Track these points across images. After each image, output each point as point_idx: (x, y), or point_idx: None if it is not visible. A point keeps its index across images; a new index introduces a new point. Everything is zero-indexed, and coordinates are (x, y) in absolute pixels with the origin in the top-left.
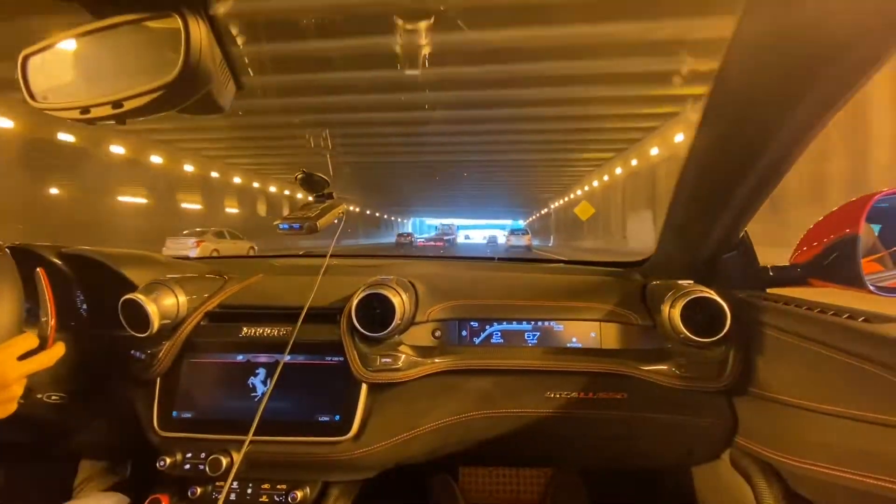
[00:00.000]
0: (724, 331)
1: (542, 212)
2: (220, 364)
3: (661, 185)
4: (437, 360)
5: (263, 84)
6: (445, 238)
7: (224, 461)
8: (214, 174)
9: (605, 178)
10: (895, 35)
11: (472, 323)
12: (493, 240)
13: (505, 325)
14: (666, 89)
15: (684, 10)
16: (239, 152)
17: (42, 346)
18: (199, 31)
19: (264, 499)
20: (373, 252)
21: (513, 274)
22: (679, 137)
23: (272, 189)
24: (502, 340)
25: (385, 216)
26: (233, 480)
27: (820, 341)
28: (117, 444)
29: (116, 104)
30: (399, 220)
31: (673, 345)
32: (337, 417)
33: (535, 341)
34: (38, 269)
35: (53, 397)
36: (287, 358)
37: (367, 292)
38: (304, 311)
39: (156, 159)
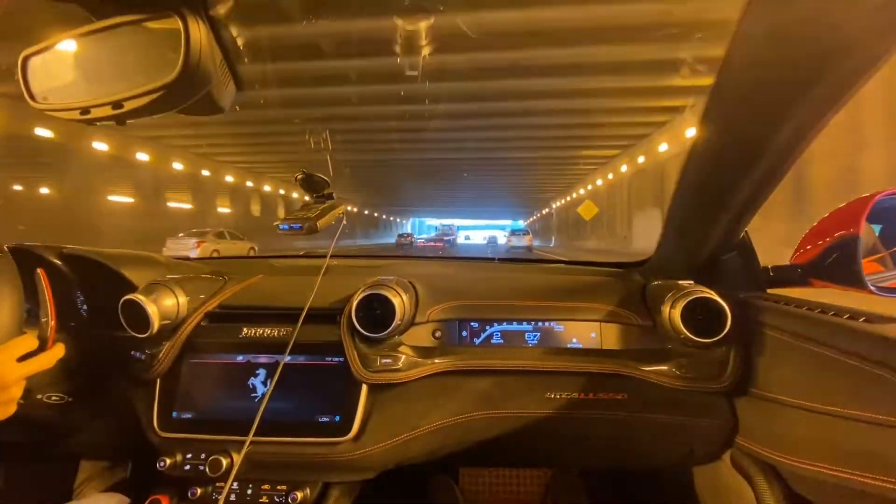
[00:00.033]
0: (725, 331)
1: (544, 212)
2: (220, 364)
3: (671, 184)
4: (437, 361)
5: (252, 73)
6: (445, 238)
7: (224, 462)
8: (205, 172)
9: (610, 176)
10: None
11: (472, 323)
12: (493, 240)
13: (505, 326)
14: (677, 80)
15: None
16: (230, 149)
17: (42, 347)
18: (199, 32)
19: (264, 499)
20: (372, 252)
21: (513, 274)
22: (691, 132)
23: (266, 188)
24: (502, 341)
25: (384, 216)
26: (233, 481)
27: (821, 342)
28: (117, 444)
29: (116, 104)
30: (398, 220)
31: (673, 345)
32: (337, 418)
33: (536, 342)
34: (38, 270)
35: (53, 398)
36: (287, 358)
37: (368, 293)
38: (305, 311)
39: (141, 156)
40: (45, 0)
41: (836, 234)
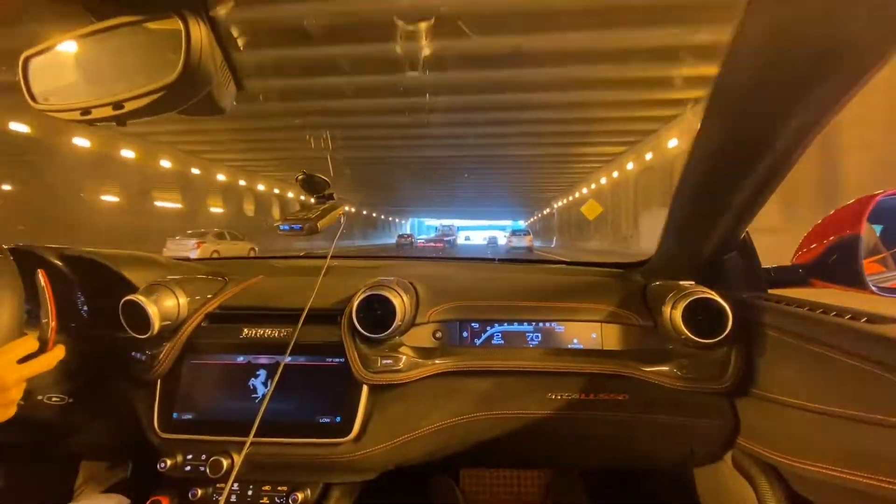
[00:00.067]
0: (726, 332)
1: (545, 212)
2: (220, 365)
3: None
4: (437, 362)
5: (242, 62)
6: (446, 239)
7: (225, 463)
8: (195, 171)
9: (615, 174)
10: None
11: (472, 324)
12: (493, 241)
13: (506, 327)
14: (690, 67)
15: None
16: (222, 146)
17: (42, 349)
18: (200, 33)
19: (265, 500)
20: (372, 253)
21: (513, 275)
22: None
23: (260, 187)
24: (503, 342)
25: (382, 216)
26: (233, 482)
27: (822, 342)
28: (118, 445)
29: (117, 105)
30: (397, 220)
31: (674, 346)
32: (338, 419)
33: (536, 342)
34: (38, 271)
35: (54, 399)
36: (288, 359)
37: (368, 293)
38: (305, 312)
39: (127, 153)
40: (47, 0)
41: (837, 235)
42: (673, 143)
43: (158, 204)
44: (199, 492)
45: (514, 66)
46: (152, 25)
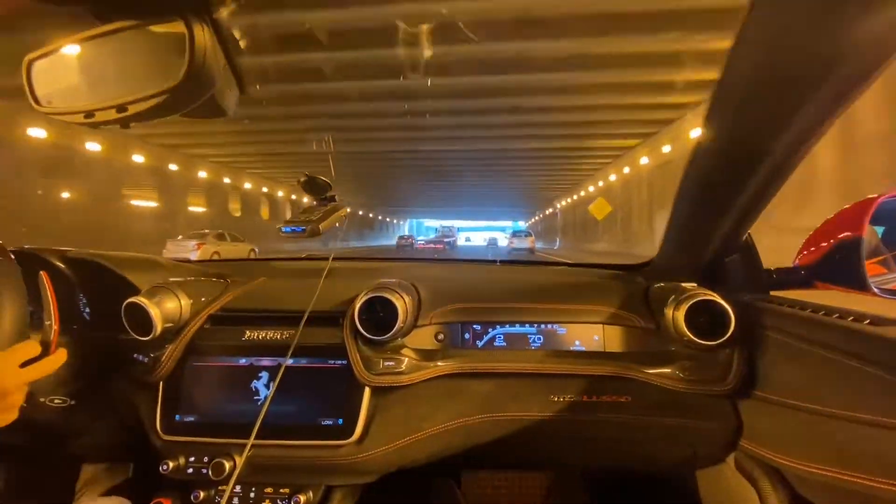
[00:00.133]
0: (728, 334)
1: (547, 212)
2: (222, 367)
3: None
4: (440, 364)
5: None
6: (446, 240)
7: (227, 465)
8: (172, 167)
9: (626, 170)
10: (893, 43)
11: (474, 326)
12: (493, 242)
13: (508, 328)
14: (716, 40)
15: None
16: (202, 140)
17: (45, 352)
18: (204, 36)
19: (267, 502)
20: (374, 255)
21: (515, 276)
22: None
23: (247, 185)
24: (505, 343)
25: (379, 217)
26: (235, 484)
27: (825, 344)
28: (120, 447)
29: (121, 108)
30: (395, 221)
31: (676, 348)
32: (340, 421)
33: (539, 344)
34: (41, 274)
35: (56, 401)
36: (290, 361)
37: (370, 295)
38: (307, 314)
39: (92, 146)
40: (51, 4)
41: (839, 236)
42: (696, 132)
43: (132, 203)
44: (202, 494)
45: (519, 38)
46: (156, 29)
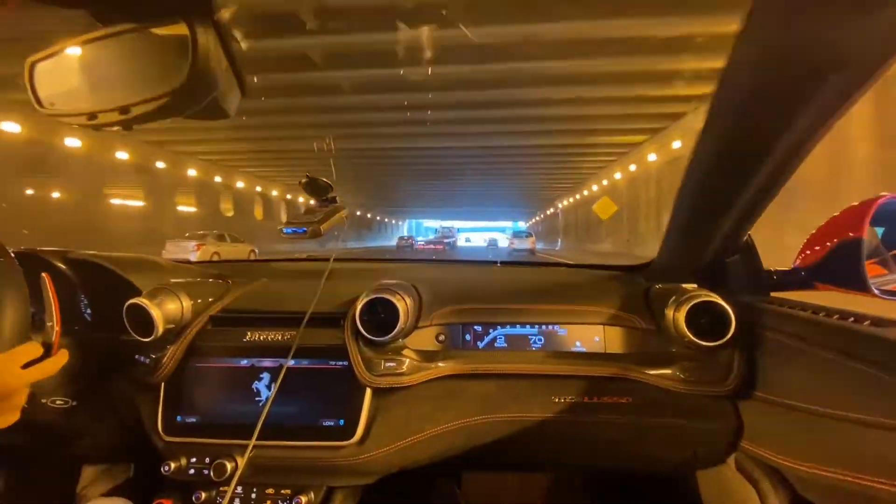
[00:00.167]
0: (729, 335)
1: (548, 212)
2: (224, 368)
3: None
4: (441, 365)
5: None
6: (446, 241)
7: (228, 466)
8: (159, 164)
9: (633, 167)
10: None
11: (475, 327)
12: (493, 243)
13: (509, 329)
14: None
15: None
16: (189, 136)
17: (47, 353)
18: (207, 38)
19: (268, 503)
20: (374, 256)
21: (516, 277)
22: None
23: (240, 184)
24: (506, 344)
25: (377, 217)
26: (237, 485)
27: (825, 345)
28: (121, 448)
29: (124, 110)
30: (394, 221)
31: (677, 349)
32: (341, 422)
33: (539, 345)
34: (43, 275)
35: (58, 402)
36: (291, 362)
37: (371, 296)
38: (308, 315)
39: (72, 142)
40: (52, 6)
41: (839, 238)
42: None
43: (114, 202)
44: (203, 495)
45: (518, 22)
46: (158, 31)
